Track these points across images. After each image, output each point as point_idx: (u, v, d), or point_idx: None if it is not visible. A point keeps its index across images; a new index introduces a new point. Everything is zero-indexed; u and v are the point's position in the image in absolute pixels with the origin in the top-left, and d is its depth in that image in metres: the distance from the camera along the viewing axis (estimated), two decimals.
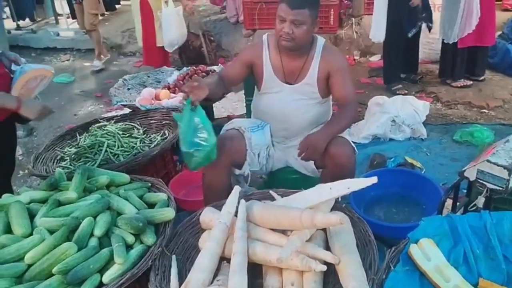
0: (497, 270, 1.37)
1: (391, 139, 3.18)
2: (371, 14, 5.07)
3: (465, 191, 1.84)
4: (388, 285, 1.31)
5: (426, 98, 3.79)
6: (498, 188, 1.58)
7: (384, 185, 2.25)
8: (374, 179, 1.51)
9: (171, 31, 4.58)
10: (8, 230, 1.70)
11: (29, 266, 1.53)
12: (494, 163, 1.56)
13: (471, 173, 1.66)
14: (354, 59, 5.07)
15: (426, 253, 1.40)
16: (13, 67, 2.11)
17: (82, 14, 5.39)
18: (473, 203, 1.70)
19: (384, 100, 3.33)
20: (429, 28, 3.97)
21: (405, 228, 1.57)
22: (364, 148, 3.06)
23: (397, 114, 3.18)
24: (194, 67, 3.63)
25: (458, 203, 1.84)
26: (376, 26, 3.87)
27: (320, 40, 2.15)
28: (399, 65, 4.07)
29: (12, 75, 2.10)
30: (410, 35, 3.85)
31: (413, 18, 3.80)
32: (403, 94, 3.84)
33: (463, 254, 1.41)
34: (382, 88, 4.22)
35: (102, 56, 5.80)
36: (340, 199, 1.76)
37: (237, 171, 2.15)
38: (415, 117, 3.21)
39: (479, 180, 1.63)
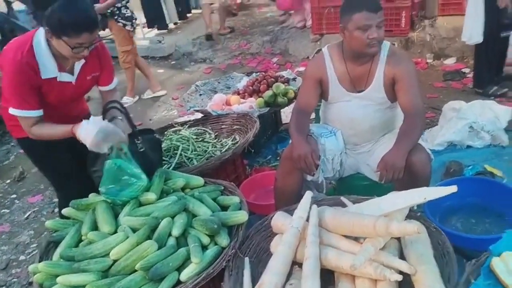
0: None
1: (468, 146, 3.02)
2: (446, 15, 4.92)
3: None
4: None
5: (508, 103, 3.56)
6: None
7: (462, 194, 2.12)
8: (453, 188, 1.46)
9: None
10: (95, 227, 1.84)
11: (114, 261, 1.64)
12: None
13: None
14: (427, 63, 4.88)
15: (510, 267, 1.33)
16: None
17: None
18: None
19: (461, 105, 3.17)
20: None
21: (486, 240, 1.49)
22: (439, 155, 2.93)
23: (476, 120, 3.01)
24: (263, 73, 3.70)
25: None
26: (472, 27, 3.69)
27: (385, 44, 2.10)
28: (493, 68, 3.87)
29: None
30: (502, 35, 3.66)
31: (509, 19, 3.61)
32: (501, 95, 3.71)
33: None
34: (458, 92, 4.03)
35: (132, 94, 5.28)
36: (415, 208, 1.71)
37: (309, 178, 2.15)
38: (495, 123, 3.02)
39: None
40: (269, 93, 3.22)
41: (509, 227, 1.76)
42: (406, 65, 2.07)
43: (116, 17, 4.64)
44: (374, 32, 1.94)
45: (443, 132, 3.09)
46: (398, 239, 1.57)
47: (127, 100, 5.16)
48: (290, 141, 2.12)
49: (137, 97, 5.32)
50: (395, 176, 1.86)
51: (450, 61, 4.81)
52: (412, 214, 1.68)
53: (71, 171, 2.20)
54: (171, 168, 2.44)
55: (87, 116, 2.07)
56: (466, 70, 4.46)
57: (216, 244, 1.72)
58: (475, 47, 3.86)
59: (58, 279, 1.61)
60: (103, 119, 1.99)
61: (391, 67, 2.05)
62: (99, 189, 1.90)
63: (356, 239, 1.56)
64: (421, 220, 1.65)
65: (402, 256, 1.50)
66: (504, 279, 1.29)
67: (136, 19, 4.88)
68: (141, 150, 2.04)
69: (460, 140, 3.01)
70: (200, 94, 3.65)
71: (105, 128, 1.87)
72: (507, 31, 3.68)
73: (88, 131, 1.84)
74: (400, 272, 1.39)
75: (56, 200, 3.04)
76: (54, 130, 1.97)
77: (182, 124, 3.04)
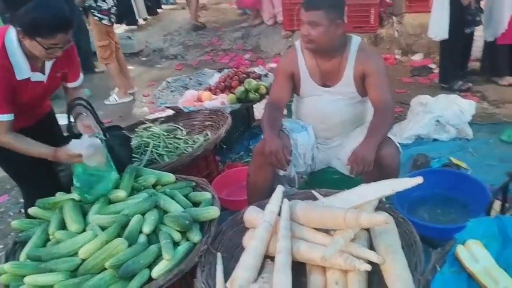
0: None
1: (435, 140, 3.11)
2: (413, 12, 5.03)
3: None
4: (435, 286, 1.29)
5: (472, 97, 3.68)
6: None
7: (428, 186, 2.18)
8: (419, 179, 1.50)
9: None
10: (63, 226, 1.80)
11: (83, 260, 1.61)
12: None
13: None
14: (395, 58, 4.98)
15: (474, 254, 1.37)
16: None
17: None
18: None
19: (428, 99, 3.26)
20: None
21: (451, 229, 1.54)
22: (407, 148, 3.00)
23: (442, 114, 3.10)
24: (235, 69, 3.69)
25: (507, 205, 1.78)
26: (437, 24, 3.79)
27: (356, 40, 2.13)
28: (458, 63, 3.97)
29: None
30: (466, 31, 3.77)
31: (472, 15, 3.72)
32: (465, 89, 3.82)
33: None
34: (425, 87, 4.13)
35: (122, 90, 4.93)
36: (383, 199, 1.75)
37: (281, 172, 2.17)
38: (460, 116, 3.11)
39: None
40: (240, 89, 3.22)
41: (473, 216, 1.81)
42: (375, 61, 2.10)
43: (92, 10, 4.46)
44: (304, 29, 2.02)
45: (410, 126, 3.17)
46: (368, 230, 1.60)
47: (111, 99, 4.93)
48: (262, 136, 2.13)
49: (131, 97, 5.01)
50: (365, 169, 1.89)
51: (417, 57, 4.92)
52: (381, 205, 1.72)
53: (36, 170, 2.14)
54: (141, 165, 2.40)
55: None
56: (433, 66, 4.57)
57: (188, 240, 1.71)
58: (440, 43, 3.97)
59: (25, 279, 1.57)
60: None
61: (361, 62, 2.08)
62: (74, 183, 1.86)
63: (327, 231, 1.58)
64: (390, 211, 1.68)
65: (371, 247, 1.53)
66: (468, 266, 1.34)
67: (114, 13, 4.60)
68: (109, 147, 2.00)
69: (427, 134, 3.09)
70: (172, 91, 3.63)
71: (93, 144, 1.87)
72: (470, 27, 3.81)
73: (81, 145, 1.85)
74: (370, 262, 1.42)
75: (22, 200, 2.95)
76: (31, 148, 1.90)
77: (153, 120, 3.00)
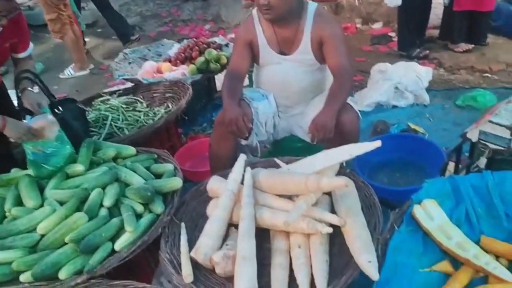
0: (499, 228, 1.40)
1: (394, 106, 3.18)
2: None
3: (467, 154, 1.85)
4: (393, 244, 1.34)
5: (429, 64, 3.77)
6: (500, 148, 1.60)
7: (388, 150, 2.25)
8: (377, 143, 1.53)
9: None
10: (19, 203, 1.74)
11: (42, 236, 1.57)
12: (496, 123, 1.57)
13: (473, 135, 1.67)
14: (356, 27, 5.00)
15: (429, 213, 1.43)
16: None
17: None
18: (475, 164, 1.72)
19: (387, 67, 3.31)
20: None
21: (408, 191, 1.59)
22: (368, 116, 3.06)
23: (400, 81, 3.17)
24: (195, 39, 3.61)
25: (460, 166, 1.85)
26: None
27: (311, 5, 2.11)
28: (415, 30, 4.03)
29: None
30: None
31: None
32: (423, 57, 3.87)
33: (465, 213, 1.44)
34: (385, 55, 4.18)
35: (78, 64, 4.86)
36: (344, 165, 1.78)
37: (243, 142, 2.16)
38: (417, 83, 3.19)
39: (481, 141, 1.65)
40: (201, 59, 3.16)
41: (430, 178, 1.89)
42: (332, 27, 2.10)
43: None
44: None
45: (370, 93, 3.22)
46: (329, 194, 1.63)
47: (67, 72, 4.80)
48: (223, 105, 2.11)
49: (87, 70, 4.93)
50: (326, 136, 1.90)
51: (377, 26, 4.96)
52: (342, 171, 1.75)
53: None
54: (101, 139, 2.34)
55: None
56: (392, 34, 4.62)
57: (151, 212, 1.69)
58: (397, 12, 4.01)
59: None
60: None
61: (318, 28, 2.07)
62: (27, 158, 1.81)
63: (290, 197, 1.60)
64: (351, 176, 1.72)
65: (333, 210, 1.57)
66: (424, 224, 1.39)
67: None
68: (63, 120, 1.93)
69: (386, 101, 3.16)
70: (130, 63, 3.51)
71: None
72: None
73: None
74: (331, 225, 1.45)
75: None
76: None
77: (111, 93, 2.91)
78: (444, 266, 1.31)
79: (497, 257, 1.32)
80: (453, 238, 1.35)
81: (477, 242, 1.35)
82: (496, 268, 1.24)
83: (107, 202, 1.65)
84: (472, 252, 1.31)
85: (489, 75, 3.55)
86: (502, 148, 1.59)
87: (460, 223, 1.42)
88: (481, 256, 1.29)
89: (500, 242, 1.33)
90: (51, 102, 1.96)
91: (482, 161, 1.69)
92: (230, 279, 1.41)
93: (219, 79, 3.73)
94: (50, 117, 1.84)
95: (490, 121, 1.59)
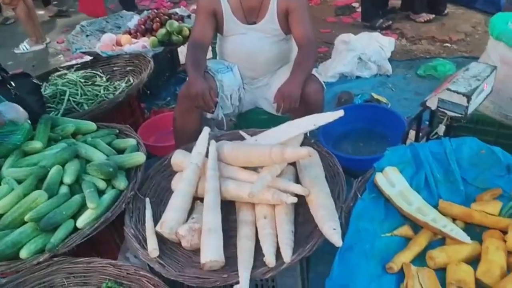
0: (456, 192, 1.46)
1: (358, 77, 3.21)
2: None
3: (428, 122, 1.90)
4: (356, 212, 1.37)
5: (392, 35, 3.80)
6: (457, 115, 1.64)
7: (351, 120, 2.30)
8: (340, 113, 1.54)
9: None
10: None
11: (1, 216, 1.52)
12: (454, 91, 1.61)
13: (432, 103, 1.71)
14: None
15: (391, 180, 1.46)
16: None
17: None
18: (435, 132, 1.77)
19: (350, 37, 3.32)
20: None
21: (371, 160, 1.61)
22: (332, 87, 3.08)
23: (363, 52, 3.19)
24: (155, 10, 3.49)
25: (421, 134, 1.90)
26: None
27: None
28: (378, 1, 4.04)
29: None
30: None
31: None
32: (386, 27, 3.90)
33: (425, 179, 1.48)
34: (348, 26, 4.19)
35: (33, 38, 4.67)
36: (308, 135, 1.79)
37: (208, 115, 2.13)
38: (380, 53, 3.22)
39: (440, 108, 1.69)
40: (162, 31, 3.08)
41: (392, 146, 1.93)
42: None
43: None
44: None
45: (335, 64, 3.23)
46: (294, 165, 1.64)
47: (22, 47, 4.58)
48: (187, 79, 2.06)
49: (44, 44, 4.72)
50: (292, 106, 1.90)
51: None
52: (307, 141, 1.76)
53: None
54: (59, 115, 2.26)
55: None
56: (356, 5, 4.62)
57: (114, 188, 1.66)
58: None
59: None
60: None
61: None
62: None
63: (255, 169, 1.60)
64: (315, 146, 1.73)
65: (297, 181, 1.58)
66: (386, 191, 1.43)
67: None
68: (16, 95, 1.84)
69: (350, 71, 3.18)
70: (87, 35, 3.37)
71: None
72: None
73: None
74: (296, 195, 1.47)
75: None
76: None
77: (68, 67, 2.80)
78: (405, 230, 1.35)
79: (454, 219, 1.37)
80: (413, 203, 1.39)
81: (436, 207, 1.40)
82: (453, 230, 1.29)
83: (67, 179, 1.61)
84: (431, 216, 1.35)
85: (449, 45, 3.63)
86: (460, 115, 1.63)
87: (420, 188, 1.46)
88: (439, 220, 1.34)
89: (457, 206, 1.38)
90: (2, 78, 1.86)
91: (441, 129, 1.73)
92: (196, 252, 1.41)
93: (182, 52, 3.65)
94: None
95: (448, 89, 1.62)
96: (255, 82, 2.27)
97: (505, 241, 1.23)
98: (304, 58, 2.02)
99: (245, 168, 1.60)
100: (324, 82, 2.15)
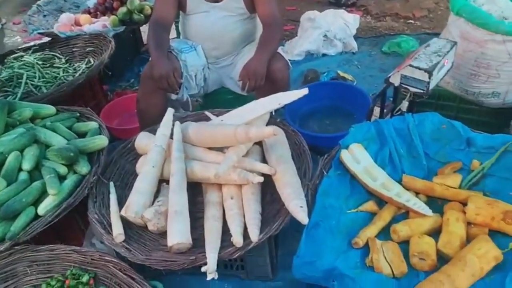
0: (419, 166, 1.49)
1: (324, 54, 3.21)
2: None
3: (392, 99, 1.92)
4: (322, 189, 1.38)
5: (357, 12, 3.81)
6: (419, 91, 1.66)
7: (318, 98, 2.31)
8: (305, 91, 1.53)
9: None
10: None
11: None
12: (416, 67, 1.63)
13: (395, 79, 1.72)
14: None
15: (356, 157, 1.48)
16: None
17: None
18: (398, 108, 1.79)
19: (316, 15, 3.30)
20: None
21: (337, 137, 1.62)
22: (298, 65, 3.06)
23: (329, 29, 3.18)
24: None
25: (385, 110, 1.92)
26: None
27: None
28: None
29: None
30: None
31: None
32: (351, 4, 3.91)
33: (389, 154, 1.51)
34: (314, 3, 4.16)
35: None
36: (274, 114, 1.78)
37: (173, 96, 2.09)
38: (346, 31, 3.22)
39: (403, 85, 1.71)
40: (123, 10, 2.96)
41: (357, 123, 1.95)
42: None
43: None
44: None
45: (300, 42, 3.21)
46: (261, 145, 1.63)
47: None
48: (150, 59, 2.00)
49: None
50: (257, 84, 1.87)
51: None
52: (273, 120, 1.76)
53: None
54: (17, 99, 2.16)
55: None
56: None
57: (75, 173, 1.61)
58: None
59: None
60: None
61: None
62: None
63: (221, 150, 1.58)
64: (280, 125, 1.73)
65: (264, 160, 1.58)
66: (351, 167, 1.44)
67: None
68: None
69: (316, 49, 3.17)
70: (44, 15, 3.22)
71: None
72: None
73: None
74: (263, 174, 1.47)
75: None
76: None
77: (25, 49, 2.67)
78: (370, 206, 1.37)
79: (417, 193, 1.40)
80: (378, 179, 1.42)
81: (400, 181, 1.43)
82: (416, 204, 1.33)
83: (26, 165, 1.55)
84: (395, 191, 1.38)
85: (413, 22, 3.66)
86: (422, 91, 1.66)
87: (384, 164, 1.49)
88: (402, 194, 1.37)
89: (419, 180, 1.41)
90: None
91: (404, 105, 1.76)
92: (163, 235, 1.40)
93: (145, 31, 3.54)
94: None
95: (410, 65, 1.64)
96: (220, 62, 2.23)
97: (464, 212, 1.27)
98: (269, 36, 1.99)
99: (211, 149, 1.59)
100: (290, 60, 2.13)
